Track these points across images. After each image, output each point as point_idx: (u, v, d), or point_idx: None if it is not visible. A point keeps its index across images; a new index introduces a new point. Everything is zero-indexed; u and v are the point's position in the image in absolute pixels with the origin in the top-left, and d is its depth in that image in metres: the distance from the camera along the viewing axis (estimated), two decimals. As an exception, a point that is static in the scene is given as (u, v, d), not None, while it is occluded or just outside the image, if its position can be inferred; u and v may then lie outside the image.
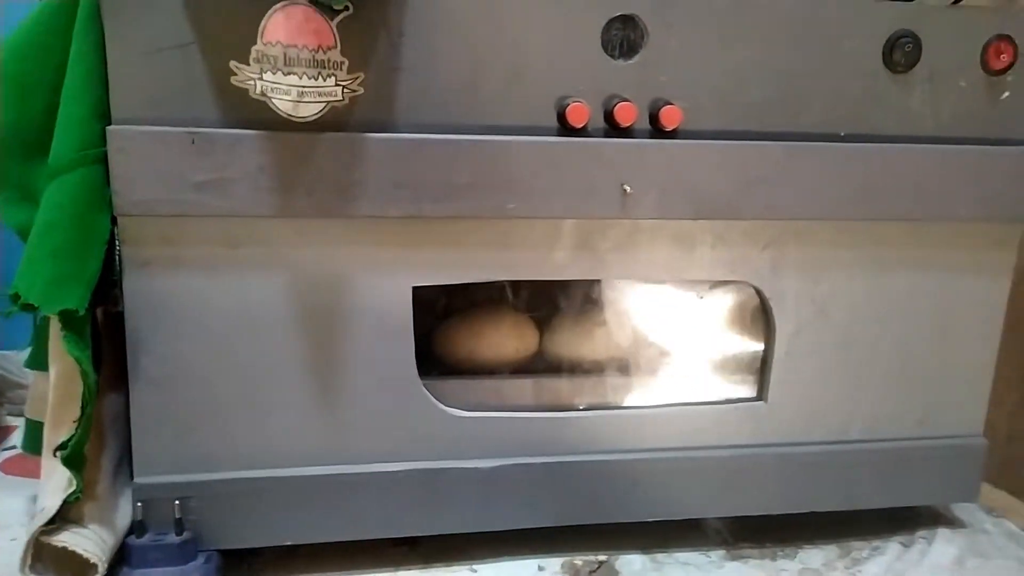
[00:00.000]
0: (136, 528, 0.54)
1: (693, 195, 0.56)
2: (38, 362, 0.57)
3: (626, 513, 0.61)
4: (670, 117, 0.54)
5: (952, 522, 0.68)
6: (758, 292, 0.61)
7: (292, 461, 0.56)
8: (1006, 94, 0.59)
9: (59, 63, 0.48)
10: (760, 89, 0.56)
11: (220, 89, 0.49)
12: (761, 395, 0.63)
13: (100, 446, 0.53)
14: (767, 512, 0.63)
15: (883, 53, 0.57)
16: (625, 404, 0.62)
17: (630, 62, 0.54)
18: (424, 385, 0.57)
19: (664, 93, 0.55)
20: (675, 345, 0.65)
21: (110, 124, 0.48)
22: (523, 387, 0.62)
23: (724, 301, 0.64)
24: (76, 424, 0.48)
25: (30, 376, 0.86)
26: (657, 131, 0.55)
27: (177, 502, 0.54)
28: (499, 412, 0.59)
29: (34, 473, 0.71)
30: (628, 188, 0.54)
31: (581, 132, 0.54)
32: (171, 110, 0.49)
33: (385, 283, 0.54)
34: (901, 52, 0.57)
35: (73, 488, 0.49)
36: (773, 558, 0.62)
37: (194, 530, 0.55)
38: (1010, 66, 0.59)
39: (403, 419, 0.57)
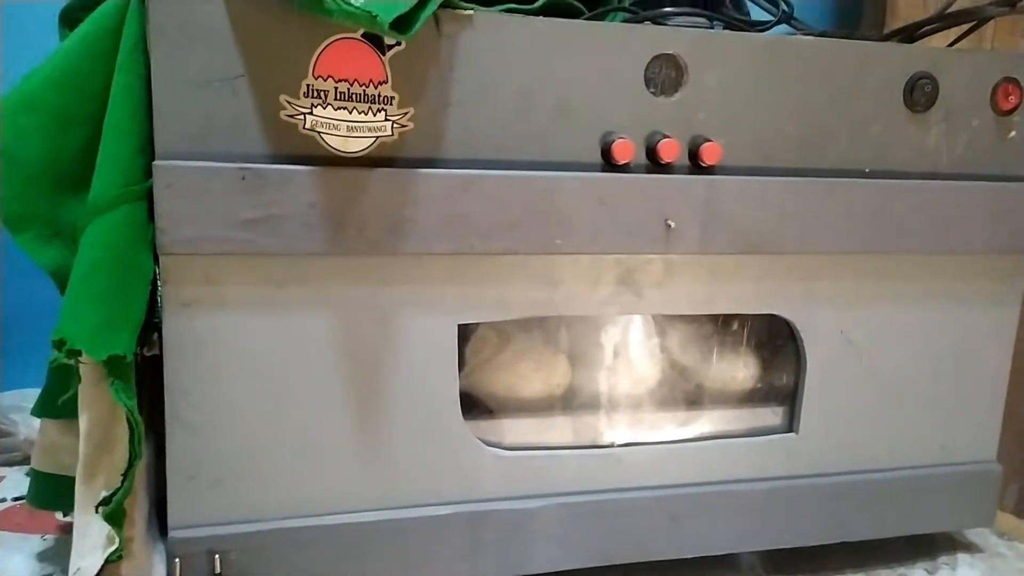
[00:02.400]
0: (171, 586, 0.49)
1: (733, 230, 0.55)
2: (52, 410, 0.52)
3: (667, 550, 0.59)
4: (711, 153, 0.54)
5: (969, 547, 0.68)
6: (790, 325, 0.60)
7: (336, 507, 0.52)
8: (1013, 133, 0.61)
9: (100, 94, 0.45)
10: (792, 127, 0.56)
11: (269, 123, 0.47)
12: (792, 427, 0.62)
13: (132, 499, 0.49)
14: (801, 544, 0.62)
15: (904, 93, 0.58)
16: (660, 439, 0.60)
17: (671, 99, 0.53)
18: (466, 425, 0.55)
19: (702, 130, 0.54)
20: (706, 377, 0.64)
21: (154, 159, 0.45)
22: (561, 425, 0.60)
23: (756, 333, 0.63)
24: (123, 477, 0.44)
25: (21, 425, 0.81)
26: (696, 167, 0.54)
27: (217, 556, 0.50)
28: (540, 450, 0.57)
29: (34, 527, 0.65)
30: (672, 223, 0.53)
31: (625, 168, 0.53)
32: (218, 145, 0.46)
33: (431, 320, 0.52)
34: (921, 92, 0.58)
35: (115, 546, 0.44)
36: (809, 589, 0.61)
37: (231, 585, 0.51)
38: (1017, 107, 0.60)
39: (448, 460, 0.54)
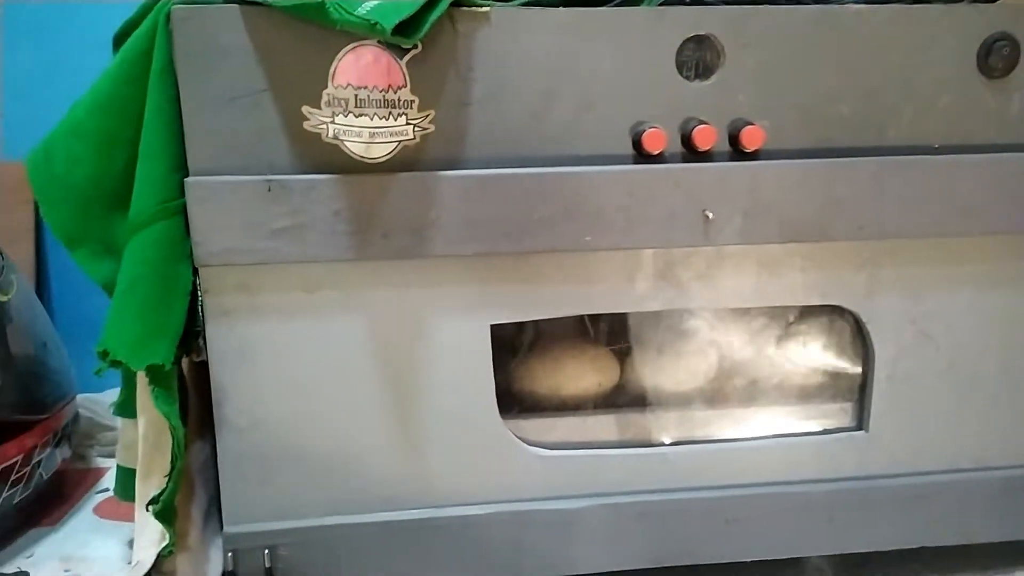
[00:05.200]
0: (226, 578, 0.51)
1: (779, 218, 0.50)
2: (126, 410, 0.55)
3: (719, 553, 0.55)
4: (751, 138, 0.49)
5: (1076, 555, 0.60)
6: (854, 316, 0.55)
7: (376, 506, 0.52)
8: (1115, 93, 0.53)
9: (137, 116, 0.47)
10: (845, 104, 0.51)
11: (293, 135, 0.47)
12: (861, 424, 0.56)
13: (190, 495, 0.51)
14: (873, 548, 0.57)
15: (978, 58, 0.51)
16: (715, 437, 0.57)
17: (707, 83, 0.50)
18: (506, 424, 0.53)
19: (743, 113, 0.50)
20: (766, 373, 0.59)
21: (187, 176, 0.47)
22: (606, 423, 0.57)
23: (818, 325, 0.58)
24: (167, 478, 0.46)
25: (119, 421, 0.86)
26: (738, 153, 0.50)
27: (266, 551, 0.51)
28: (583, 450, 0.55)
29: (127, 516, 0.69)
30: (710, 214, 0.50)
31: (658, 158, 0.50)
32: (246, 158, 0.47)
33: (462, 322, 0.51)
34: (998, 56, 0.51)
35: (166, 542, 0.46)
36: (883, 598, 0.56)
37: (282, 578, 0.52)
38: (1119, 63, 0.52)
39: (486, 460, 0.53)
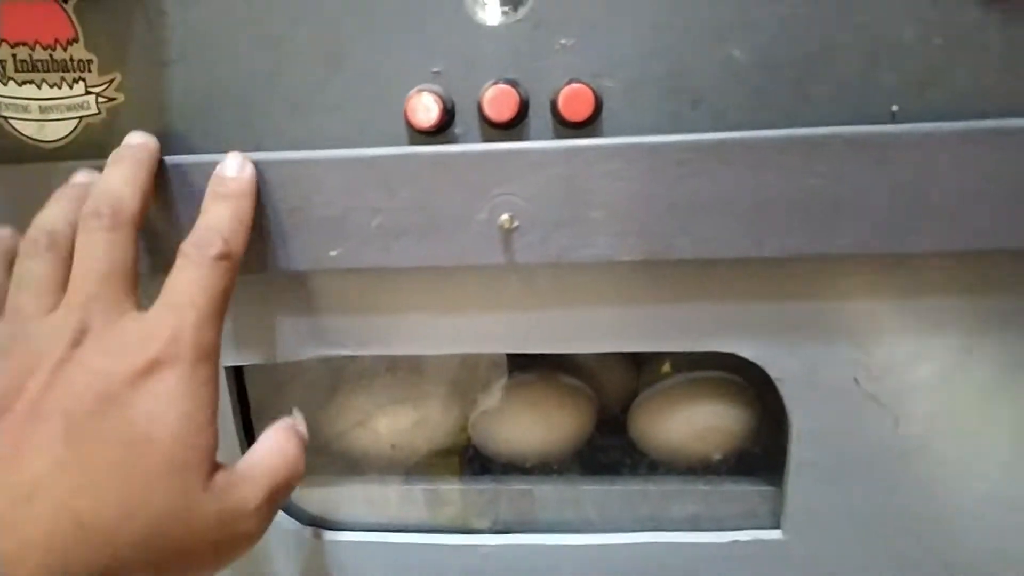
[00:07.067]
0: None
1: (622, 224, 0.33)
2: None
3: None
4: (575, 103, 0.32)
5: None
6: (763, 369, 0.37)
7: None
8: None
9: None
10: (737, 48, 0.32)
11: (-55, 111, 0.35)
12: (777, 522, 0.38)
13: None
14: None
15: (969, -35, 0.31)
16: (567, 527, 0.40)
17: (511, 22, 0.33)
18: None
19: (568, 67, 0.33)
20: (638, 437, 0.42)
21: None
22: (413, 495, 0.42)
23: (710, 375, 0.40)
24: None
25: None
26: (561, 126, 0.33)
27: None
28: (381, 533, 0.40)
29: None
30: (508, 218, 0.33)
31: (436, 136, 0.33)
32: None
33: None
34: (1002, -42, 0.30)
35: None
36: None
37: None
38: None
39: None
